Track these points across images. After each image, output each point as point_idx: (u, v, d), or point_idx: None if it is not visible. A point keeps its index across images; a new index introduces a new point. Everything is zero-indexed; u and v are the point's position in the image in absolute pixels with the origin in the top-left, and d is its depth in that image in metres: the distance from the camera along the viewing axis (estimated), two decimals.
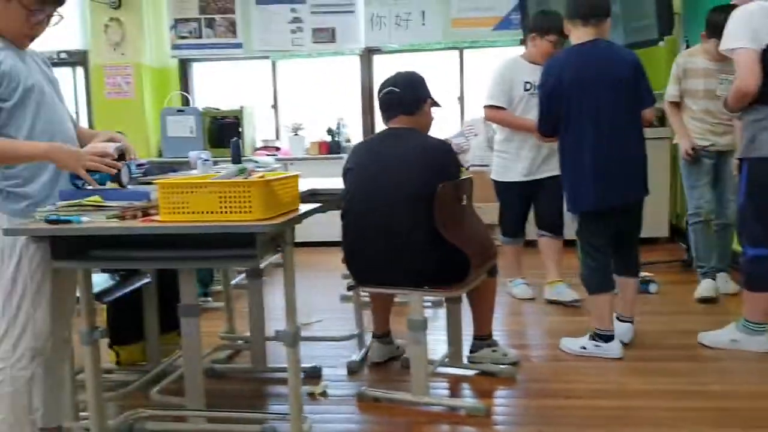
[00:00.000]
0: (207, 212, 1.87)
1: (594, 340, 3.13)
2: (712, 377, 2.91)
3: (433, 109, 2.96)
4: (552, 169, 3.97)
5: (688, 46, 5.20)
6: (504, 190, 4.26)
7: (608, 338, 3.11)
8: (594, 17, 3.09)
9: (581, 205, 3.16)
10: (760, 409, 2.58)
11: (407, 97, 2.83)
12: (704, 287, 3.96)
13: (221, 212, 1.86)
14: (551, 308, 4.05)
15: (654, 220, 5.69)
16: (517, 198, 4.20)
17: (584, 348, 3.16)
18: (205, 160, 3.69)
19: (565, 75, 3.09)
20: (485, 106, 4.18)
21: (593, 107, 3.04)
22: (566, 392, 2.81)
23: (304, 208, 2.18)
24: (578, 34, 3.14)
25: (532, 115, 3.73)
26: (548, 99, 3.16)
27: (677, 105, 4.09)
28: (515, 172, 4.13)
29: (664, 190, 5.77)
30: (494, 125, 4.49)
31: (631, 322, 3.29)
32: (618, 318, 3.24)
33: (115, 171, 2.03)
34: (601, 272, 3.15)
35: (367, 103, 6.73)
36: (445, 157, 2.83)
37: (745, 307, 3.14)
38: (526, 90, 4.05)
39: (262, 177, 1.90)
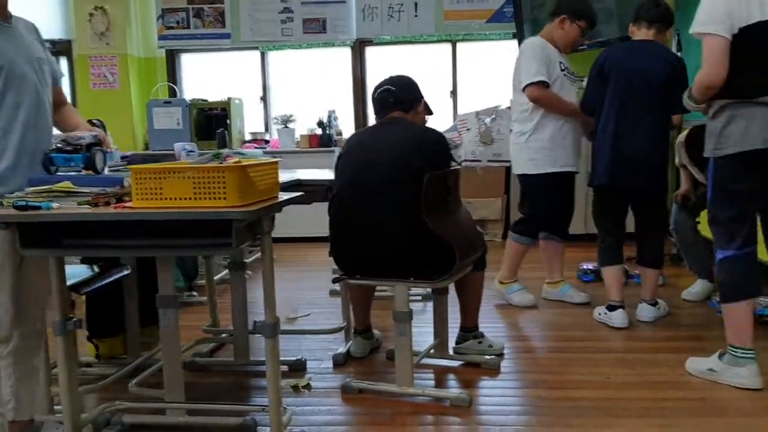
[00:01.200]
0: (181, 198, 1.82)
1: (605, 309, 3.52)
2: None
3: (427, 118, 3.03)
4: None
5: (679, 41, 5.17)
6: (537, 182, 3.81)
7: (613, 308, 3.48)
8: (659, 23, 3.43)
9: (594, 179, 3.54)
10: (738, 399, 2.57)
11: (402, 95, 2.88)
12: (697, 290, 3.95)
13: (195, 198, 1.82)
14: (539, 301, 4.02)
15: None
16: (567, 190, 3.88)
17: (599, 314, 3.58)
18: (190, 151, 3.64)
19: (613, 60, 3.44)
20: (531, 84, 3.66)
21: (625, 97, 3.37)
22: (551, 383, 2.78)
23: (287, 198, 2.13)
24: (639, 36, 3.47)
25: (569, 99, 3.80)
26: (595, 79, 3.49)
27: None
28: (555, 161, 3.76)
29: None
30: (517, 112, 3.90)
31: (652, 304, 3.56)
32: (641, 300, 3.59)
33: None
34: (608, 250, 3.57)
35: (358, 95, 6.68)
36: (437, 146, 2.82)
37: (726, 328, 2.74)
38: (561, 70, 3.79)
39: (237, 162, 1.86)
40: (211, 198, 1.81)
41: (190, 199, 1.82)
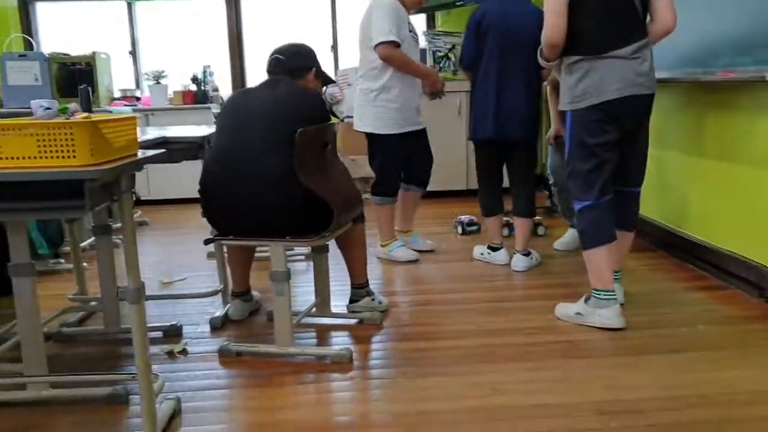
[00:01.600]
0: (24, 158, 1.67)
1: (488, 249, 3.85)
2: None
3: (332, 89, 3.01)
4: (423, 121, 3.99)
5: None
6: (387, 143, 3.84)
7: (494, 249, 3.83)
8: None
9: (478, 134, 3.66)
10: (602, 340, 2.71)
11: (291, 63, 2.86)
12: (567, 239, 4.13)
13: (41, 157, 1.67)
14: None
15: None
16: (418, 145, 3.97)
17: (481, 254, 3.92)
18: (47, 108, 3.37)
19: (491, 16, 3.52)
20: (383, 43, 3.60)
21: (504, 52, 3.50)
22: (429, 334, 2.84)
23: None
24: None
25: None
26: (472, 34, 3.59)
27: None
28: (403, 123, 3.82)
29: None
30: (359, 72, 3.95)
31: (525, 254, 3.73)
32: (515, 252, 3.75)
33: None
34: (485, 197, 3.81)
35: (235, 49, 6.45)
36: (312, 102, 2.77)
37: (589, 273, 2.87)
38: (409, 32, 3.77)
39: (87, 117, 1.72)
40: (58, 156, 1.67)
41: (35, 158, 1.67)
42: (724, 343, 2.65)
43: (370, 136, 3.91)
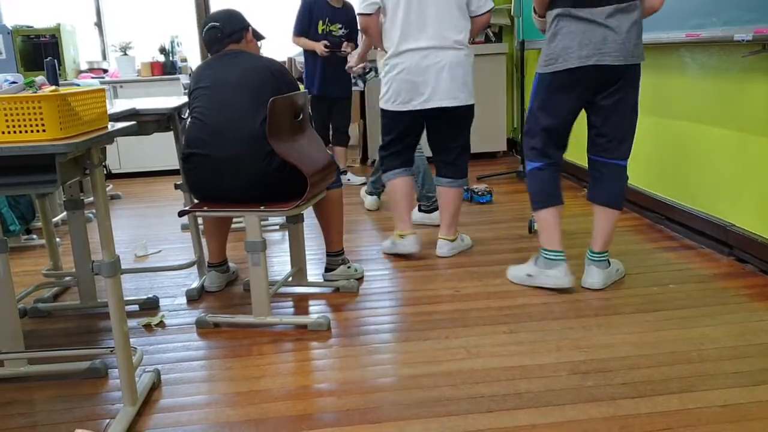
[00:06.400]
0: None
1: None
2: None
3: (260, 44, 3.03)
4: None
5: None
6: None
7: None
8: None
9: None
10: (577, 301, 2.77)
11: (228, 28, 2.84)
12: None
13: (9, 132, 1.64)
14: (389, 223, 4.10)
15: (493, 135, 5.90)
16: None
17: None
18: (12, 82, 3.30)
19: None
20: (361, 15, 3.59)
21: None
22: (406, 300, 2.87)
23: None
24: None
25: None
26: None
27: None
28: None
29: (501, 108, 5.95)
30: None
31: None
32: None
33: None
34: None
35: (202, 18, 6.32)
36: (282, 70, 2.79)
37: (539, 234, 2.94)
38: None
39: (55, 91, 1.69)
40: (27, 131, 1.64)
41: (3, 133, 1.65)
42: (694, 301, 2.72)
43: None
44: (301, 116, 2.79)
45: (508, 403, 1.99)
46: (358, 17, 3.33)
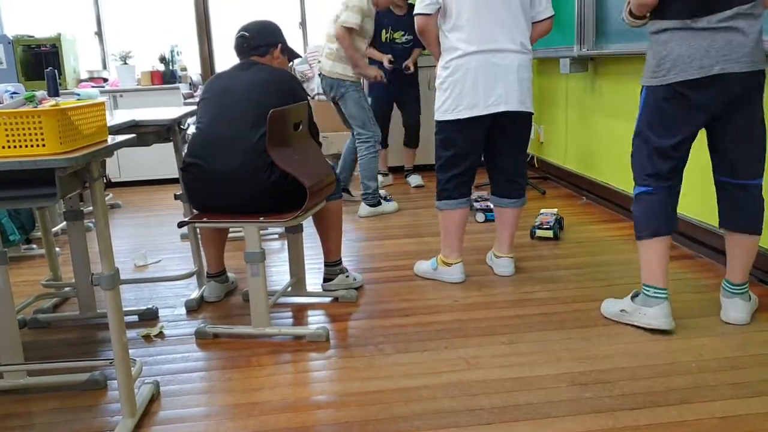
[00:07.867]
0: None
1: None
2: (538, 286, 3.09)
3: (301, 67, 3.02)
4: None
5: None
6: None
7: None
8: None
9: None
10: (577, 311, 2.77)
11: (255, 40, 2.87)
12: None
13: (9, 147, 1.65)
14: (388, 231, 4.10)
15: None
16: None
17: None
18: (13, 93, 3.31)
19: None
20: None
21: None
22: (405, 311, 2.87)
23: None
24: None
25: None
26: None
27: None
28: None
29: None
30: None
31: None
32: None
33: None
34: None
35: (203, 28, 6.33)
36: (290, 82, 2.81)
37: (641, 267, 2.59)
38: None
39: (55, 105, 1.70)
40: (27, 145, 1.65)
41: (4, 147, 1.65)
42: (693, 311, 2.72)
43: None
44: (300, 127, 2.80)
45: (507, 415, 1.99)
46: (415, 18, 3.06)
